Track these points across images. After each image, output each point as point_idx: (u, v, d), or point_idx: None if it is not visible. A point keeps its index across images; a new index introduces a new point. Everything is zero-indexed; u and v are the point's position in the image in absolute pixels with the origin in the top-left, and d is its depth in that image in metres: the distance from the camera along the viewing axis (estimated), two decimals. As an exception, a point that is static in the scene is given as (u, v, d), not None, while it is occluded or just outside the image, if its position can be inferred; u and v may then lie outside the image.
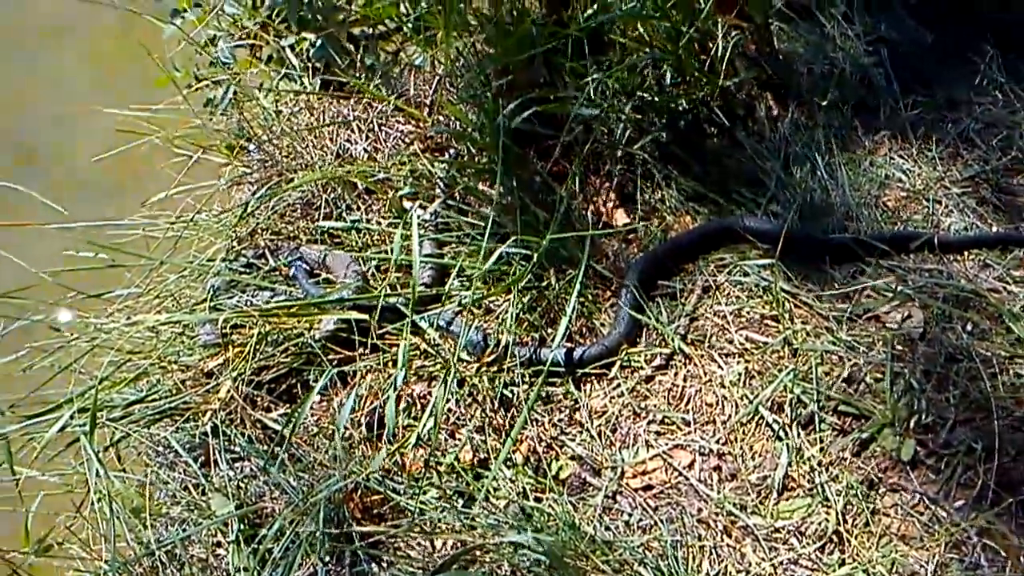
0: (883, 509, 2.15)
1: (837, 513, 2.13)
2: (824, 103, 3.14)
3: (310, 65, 3.53)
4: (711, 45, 3.08)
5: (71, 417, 2.40)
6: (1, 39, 6.18)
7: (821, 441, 2.27)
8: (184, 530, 2.27)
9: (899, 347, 2.40)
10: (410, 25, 3.37)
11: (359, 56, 3.56)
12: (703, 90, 3.08)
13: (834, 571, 2.05)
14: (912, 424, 2.25)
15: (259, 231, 2.91)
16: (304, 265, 2.78)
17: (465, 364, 2.48)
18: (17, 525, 2.33)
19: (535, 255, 2.59)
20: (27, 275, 2.67)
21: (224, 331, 2.57)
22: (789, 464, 2.24)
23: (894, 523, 2.13)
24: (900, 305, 2.51)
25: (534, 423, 2.39)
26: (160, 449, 2.50)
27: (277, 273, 2.82)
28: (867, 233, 2.71)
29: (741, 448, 2.31)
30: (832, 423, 2.31)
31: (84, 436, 2.32)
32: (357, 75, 3.31)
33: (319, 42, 3.57)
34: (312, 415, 2.46)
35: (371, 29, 3.83)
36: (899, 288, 2.54)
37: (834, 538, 2.10)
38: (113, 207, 3.06)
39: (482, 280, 2.63)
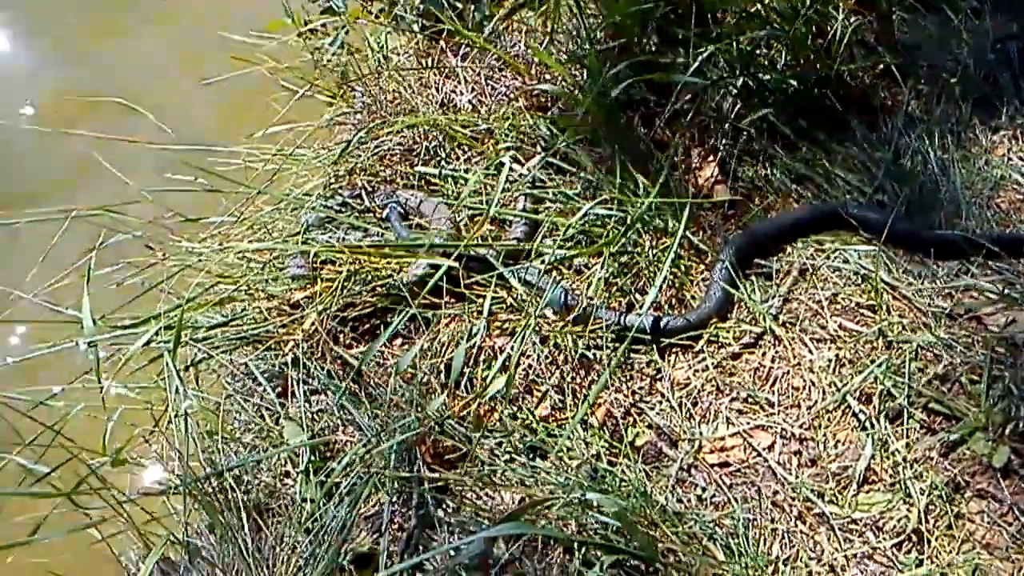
0: (968, 514, 2.07)
1: (919, 511, 2.06)
2: (943, 97, 3.03)
3: (420, 18, 3.53)
4: (829, 28, 3.00)
5: (156, 334, 2.42)
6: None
7: (907, 436, 2.20)
8: (254, 455, 2.28)
9: (1000, 350, 2.31)
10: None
11: (468, 10, 3.55)
12: (817, 72, 2.99)
13: (910, 570, 1.99)
14: (1007, 431, 2.16)
15: (357, 171, 2.91)
16: (398, 208, 2.78)
17: (550, 322, 2.45)
18: (98, 433, 2.36)
19: (630, 219, 2.55)
20: (128, 190, 2.72)
21: (314, 265, 2.57)
22: (872, 456, 2.17)
23: (979, 530, 2.05)
24: (1005, 308, 2.41)
25: (614, 388, 2.36)
26: (238, 374, 2.53)
27: (371, 214, 2.82)
28: (977, 232, 2.61)
29: (824, 435, 2.24)
30: (921, 420, 2.23)
31: (167, 353, 2.34)
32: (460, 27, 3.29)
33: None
34: (392, 358, 2.45)
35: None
36: (1006, 291, 2.44)
37: (913, 537, 2.03)
38: (217, 133, 3.09)
39: (574, 240, 2.60)
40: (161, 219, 2.73)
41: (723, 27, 2.94)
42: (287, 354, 2.42)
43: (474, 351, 2.35)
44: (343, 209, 2.83)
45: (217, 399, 2.50)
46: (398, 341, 2.50)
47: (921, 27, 3.24)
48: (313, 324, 2.41)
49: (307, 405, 2.35)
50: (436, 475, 2.14)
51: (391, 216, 2.75)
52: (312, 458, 2.24)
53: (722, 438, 2.27)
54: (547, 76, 3.03)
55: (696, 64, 2.75)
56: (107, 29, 5.69)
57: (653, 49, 2.88)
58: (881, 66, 3.11)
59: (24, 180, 4.58)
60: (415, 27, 3.36)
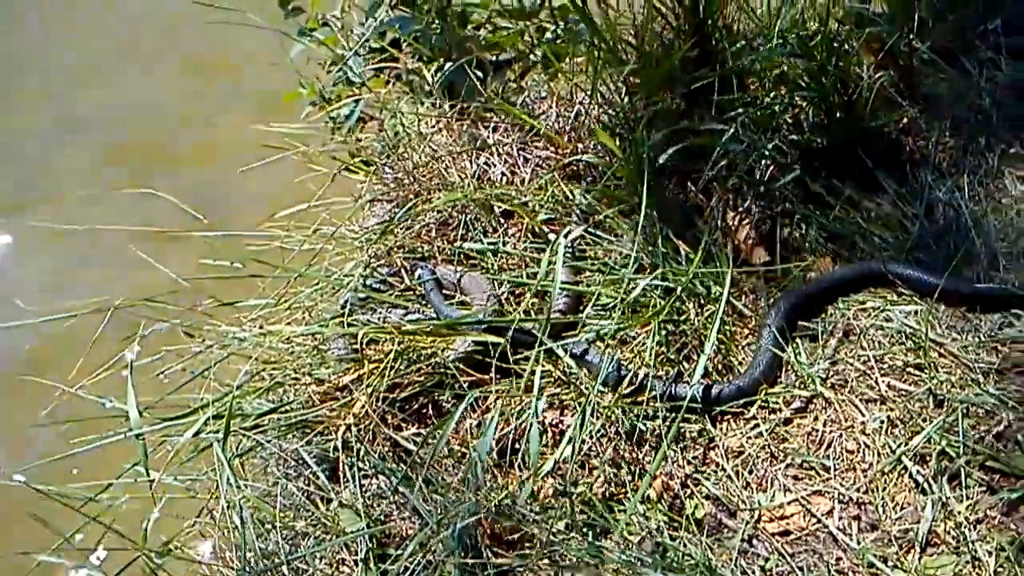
0: (1035, 573, 2.06)
1: (989, 574, 2.04)
2: (969, 148, 3.05)
3: (442, 88, 3.56)
4: (853, 85, 3.04)
5: (205, 423, 2.41)
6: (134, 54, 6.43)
7: (968, 497, 2.19)
8: (311, 544, 2.26)
9: (1051, 404, 2.32)
10: (540, 53, 3.39)
11: (488, 82, 3.58)
12: (845, 130, 3.02)
13: (985, 635, 1.97)
14: (1068, 486, 2.16)
15: (395, 248, 2.92)
16: (432, 279, 2.77)
17: (599, 395, 2.44)
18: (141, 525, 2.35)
19: (677, 288, 2.55)
20: (165, 280, 2.72)
21: (359, 346, 2.57)
22: (933, 519, 2.16)
23: (1048, 588, 2.03)
24: (1051, 360, 2.42)
25: (668, 460, 2.35)
26: (289, 460, 2.52)
27: (411, 292, 2.82)
28: (1018, 284, 2.61)
29: (883, 498, 2.23)
30: (979, 479, 2.22)
31: (217, 443, 2.33)
32: (490, 100, 3.31)
33: (449, 65, 3.59)
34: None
35: (496, 56, 3.86)
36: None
37: (983, 600, 2.02)
38: (248, 219, 3.10)
39: (621, 310, 2.60)
40: (199, 305, 2.73)
41: (751, 91, 2.97)
42: (338, 438, 2.40)
43: (527, 428, 2.33)
44: (382, 288, 2.83)
45: (264, 486, 2.49)
46: (455, 419, 2.48)
47: (942, 79, 3.27)
48: (363, 407, 2.40)
49: (360, 490, 2.33)
50: (500, 560, 2.11)
51: (430, 295, 2.75)
52: (370, 546, 2.22)
53: (781, 506, 2.26)
54: (580, 146, 3.05)
55: (732, 129, 2.77)
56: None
57: (683, 114, 2.90)
58: (906, 119, 3.13)
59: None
60: (438, 100, 3.38)
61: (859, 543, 2.15)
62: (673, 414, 2.37)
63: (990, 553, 2.08)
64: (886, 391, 2.43)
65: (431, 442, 2.31)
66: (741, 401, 2.45)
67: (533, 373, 2.35)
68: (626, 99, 2.92)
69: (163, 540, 2.35)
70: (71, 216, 4.91)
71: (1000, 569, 2.06)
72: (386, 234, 2.92)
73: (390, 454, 2.41)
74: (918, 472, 2.24)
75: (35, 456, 2.61)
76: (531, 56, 3.70)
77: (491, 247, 2.88)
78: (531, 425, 2.20)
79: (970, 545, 2.10)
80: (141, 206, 3.51)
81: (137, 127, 5.83)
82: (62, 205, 5.15)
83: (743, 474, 2.33)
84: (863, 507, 2.23)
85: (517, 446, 2.36)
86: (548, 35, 3.66)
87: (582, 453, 2.36)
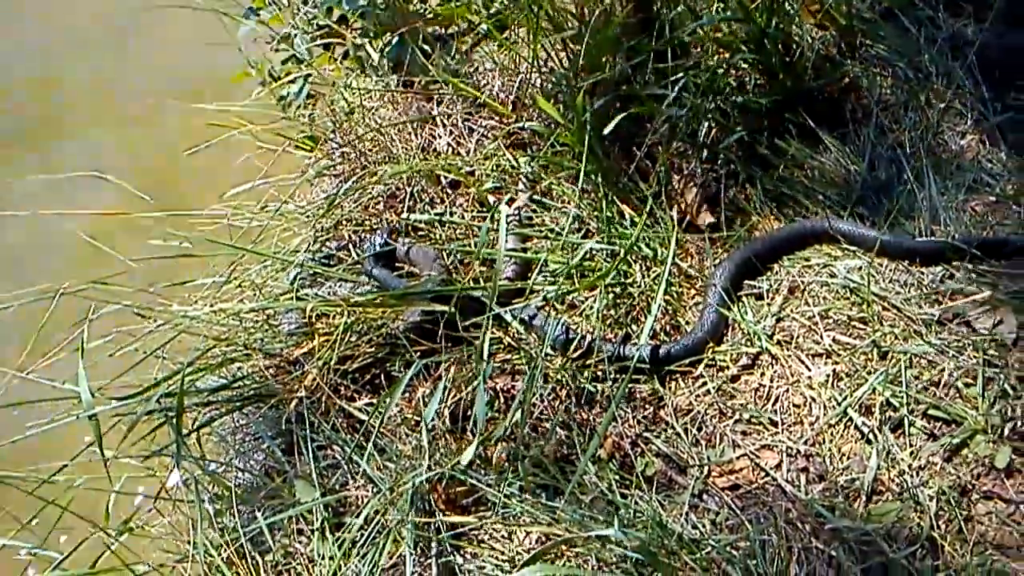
0: (977, 516, 2.11)
1: (930, 518, 2.09)
2: (909, 106, 3.09)
3: (388, 63, 3.55)
4: (795, 47, 3.06)
5: (158, 401, 2.41)
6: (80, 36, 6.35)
7: (911, 445, 2.24)
8: (267, 516, 2.27)
9: (991, 352, 2.36)
10: (487, 25, 3.39)
11: (435, 54, 3.58)
12: (787, 91, 3.04)
13: (927, 577, 2.02)
14: (1007, 431, 2.20)
15: (343, 222, 2.92)
16: (379, 251, 2.78)
17: (549, 359, 2.47)
18: (100, 506, 2.35)
19: (621, 251, 2.58)
20: (113, 262, 2.70)
21: (309, 320, 2.58)
22: (878, 467, 2.20)
23: (989, 531, 2.08)
24: (992, 310, 2.46)
25: (619, 420, 2.38)
26: (243, 435, 2.52)
27: (360, 264, 2.83)
28: (957, 237, 2.65)
29: (829, 450, 2.27)
30: (922, 427, 2.27)
31: (170, 421, 2.33)
32: (435, 73, 3.31)
33: (395, 40, 3.58)
34: (395, 405, 2.45)
35: (444, 29, 3.86)
36: (991, 293, 2.49)
37: (926, 544, 2.06)
38: (195, 198, 3.08)
39: (566, 275, 2.62)
40: (149, 287, 2.72)
41: (692, 54, 2.98)
42: (291, 412, 2.41)
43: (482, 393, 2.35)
44: (329, 261, 2.84)
45: (221, 462, 2.49)
46: (402, 388, 2.50)
47: (882, 38, 3.30)
48: (315, 380, 2.41)
49: (315, 461, 2.34)
50: (454, 519, 2.14)
51: (372, 271, 2.76)
52: (326, 515, 2.24)
53: (730, 461, 2.30)
54: (525, 115, 3.06)
55: (673, 93, 2.79)
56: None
57: (627, 80, 2.91)
58: (848, 79, 3.16)
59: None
60: (384, 75, 3.37)
61: (807, 494, 2.19)
62: (622, 375, 2.40)
63: (931, 498, 2.12)
64: (831, 345, 2.47)
65: (381, 411, 2.32)
66: (689, 360, 2.48)
67: (480, 341, 2.37)
68: (568, 67, 2.92)
69: (122, 519, 2.36)
70: (14, 201, 4.86)
71: (941, 512, 2.10)
72: (332, 208, 2.92)
73: (344, 424, 2.43)
74: (863, 423, 2.29)
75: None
76: (479, 29, 3.70)
77: (438, 217, 2.88)
78: (474, 389, 2.22)
79: (913, 491, 2.14)
80: (86, 192, 3.48)
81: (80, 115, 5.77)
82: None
83: (692, 431, 2.36)
84: (810, 459, 2.27)
85: (469, 412, 2.37)
86: (496, 6, 3.66)
87: (534, 417, 2.38)
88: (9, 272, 4.41)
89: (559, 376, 2.42)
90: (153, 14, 4.01)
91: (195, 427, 2.47)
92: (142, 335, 2.63)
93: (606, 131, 2.75)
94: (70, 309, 2.62)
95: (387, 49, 3.60)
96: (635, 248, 2.64)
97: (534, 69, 3.04)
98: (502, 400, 2.42)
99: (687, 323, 2.60)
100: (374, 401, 2.45)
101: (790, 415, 2.37)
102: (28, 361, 2.57)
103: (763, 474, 2.26)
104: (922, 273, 2.61)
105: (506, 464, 2.26)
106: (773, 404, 2.39)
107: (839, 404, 2.33)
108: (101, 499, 2.37)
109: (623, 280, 2.63)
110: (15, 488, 2.30)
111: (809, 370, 2.43)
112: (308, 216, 2.97)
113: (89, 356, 2.44)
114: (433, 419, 2.31)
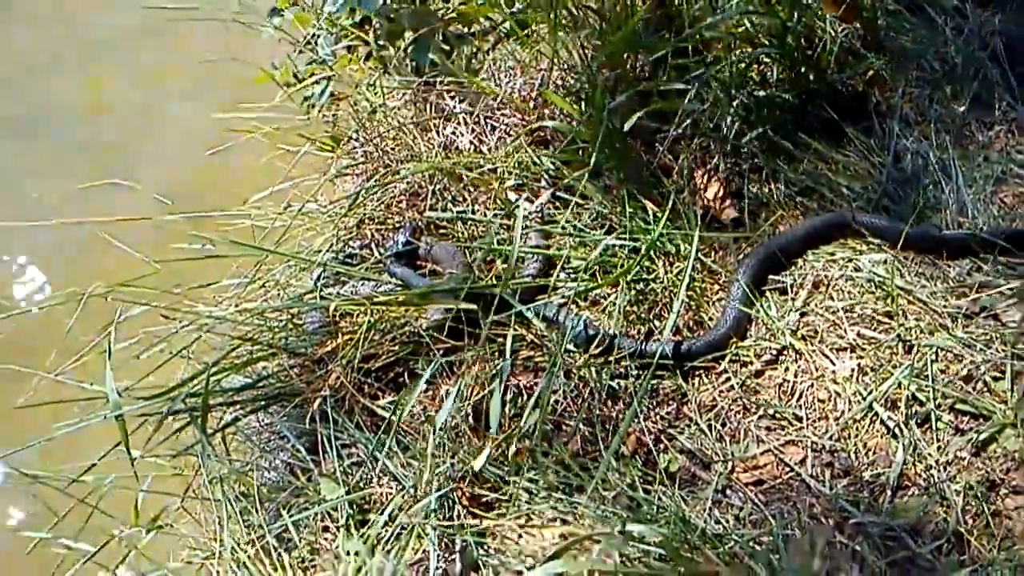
0: (1005, 511, 2.08)
1: (957, 513, 2.07)
2: (935, 98, 3.07)
3: (411, 62, 3.56)
4: (817, 40, 3.05)
5: (183, 401, 2.43)
6: (105, 41, 6.42)
7: (938, 439, 2.21)
8: (292, 514, 2.28)
9: (1020, 345, 2.33)
10: (509, 22, 3.39)
11: (457, 53, 3.59)
12: (810, 84, 3.03)
13: (954, 572, 1.99)
14: (1036, 425, 2.18)
15: (366, 221, 2.94)
16: (405, 249, 2.79)
17: (572, 356, 2.46)
18: (131, 504, 2.37)
19: (643, 248, 2.57)
20: (139, 265, 2.73)
21: (333, 319, 2.59)
22: (904, 462, 2.18)
23: (1017, 525, 2.06)
24: (1020, 303, 2.44)
25: (642, 416, 2.37)
26: (268, 434, 2.54)
27: (382, 264, 2.84)
28: (984, 229, 2.63)
29: (854, 445, 2.25)
30: (949, 422, 2.25)
31: (195, 420, 2.35)
32: (455, 72, 3.32)
33: (415, 40, 3.59)
34: (419, 404, 2.46)
35: (466, 27, 3.86)
36: (1019, 286, 2.46)
37: (952, 539, 2.04)
38: (219, 200, 3.11)
39: (588, 272, 2.62)
40: (174, 289, 2.74)
41: (714, 49, 2.98)
42: (315, 410, 2.42)
43: (503, 392, 2.35)
44: (353, 261, 2.85)
45: (247, 460, 2.51)
46: (422, 386, 2.51)
47: (907, 29, 3.27)
48: (338, 378, 2.42)
49: (339, 459, 2.36)
50: (476, 520, 2.14)
51: (392, 268, 2.77)
52: (351, 512, 2.25)
53: (754, 456, 2.28)
54: (547, 112, 3.06)
55: (694, 89, 2.78)
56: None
57: (647, 76, 2.91)
58: (872, 71, 3.14)
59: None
60: (407, 75, 3.38)
61: (832, 489, 2.17)
62: (644, 371, 2.39)
63: (958, 493, 2.10)
64: (856, 339, 2.45)
65: (401, 408, 2.33)
66: (712, 356, 2.47)
67: (504, 338, 2.38)
68: (589, 63, 2.92)
69: (152, 517, 2.39)
70: (40, 212, 4.92)
71: (968, 507, 2.08)
72: (355, 207, 2.93)
73: (368, 423, 2.44)
74: (889, 417, 2.27)
75: (22, 443, 2.63)
76: (502, 27, 3.70)
77: (460, 215, 2.89)
78: (494, 389, 2.22)
79: (939, 486, 2.12)
80: (113, 200, 3.50)
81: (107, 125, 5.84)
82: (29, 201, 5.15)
83: (716, 427, 2.35)
84: (835, 454, 2.25)
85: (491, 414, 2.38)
86: (519, 3, 3.66)
87: (557, 414, 2.38)
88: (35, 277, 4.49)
89: (581, 373, 2.42)
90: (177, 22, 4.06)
91: (220, 426, 2.49)
92: (168, 336, 2.65)
93: (626, 127, 2.74)
94: (98, 312, 2.66)
95: (409, 49, 3.61)
96: (658, 244, 2.63)
97: (555, 66, 3.03)
98: (524, 397, 2.42)
99: (710, 319, 2.59)
100: (397, 399, 2.46)
101: (814, 410, 2.35)
102: (56, 363, 2.60)
103: (787, 469, 2.24)
104: (948, 266, 2.59)
105: (528, 461, 2.26)
106: (797, 399, 2.38)
107: (864, 399, 2.31)
108: (129, 499, 2.40)
109: (646, 276, 2.62)
110: (45, 485, 2.32)
111: (834, 364, 2.41)
112: (331, 216, 2.98)
113: (116, 358, 2.47)
114: (454, 417, 2.32)
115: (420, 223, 2.89)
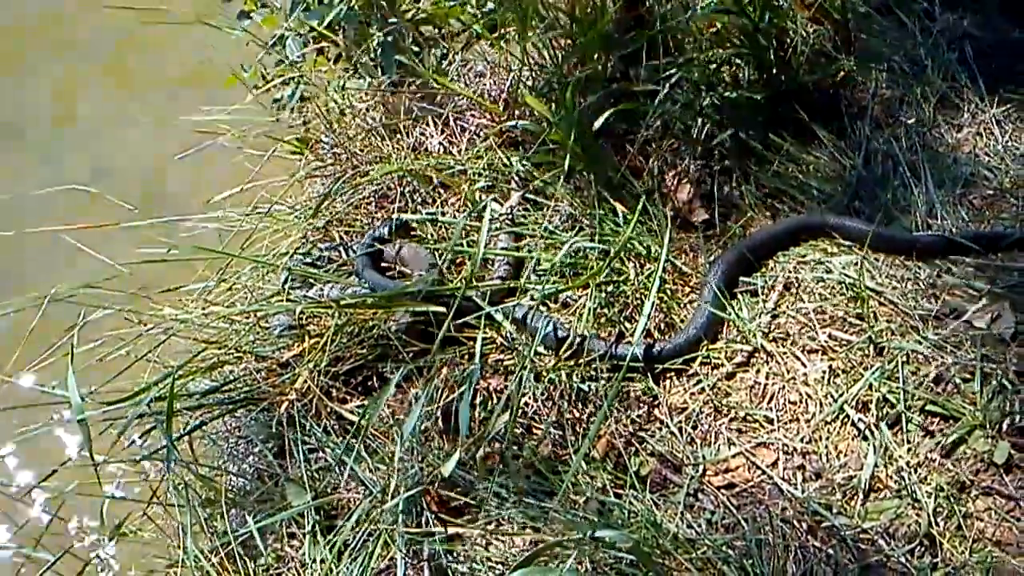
0: (976, 512, 2.09)
1: (928, 515, 2.06)
2: (905, 100, 3.07)
3: (379, 63, 3.53)
4: (789, 41, 3.04)
5: (148, 405, 2.39)
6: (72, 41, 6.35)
7: (908, 441, 2.21)
8: (258, 520, 2.25)
9: (989, 348, 2.33)
10: (480, 23, 3.37)
11: (426, 54, 3.56)
12: (781, 86, 3.02)
13: (926, 574, 1.99)
14: (1005, 426, 2.18)
15: (334, 223, 2.90)
16: (371, 251, 2.76)
17: (542, 358, 2.44)
18: (95, 510, 2.33)
19: (613, 250, 2.56)
20: (105, 271, 2.69)
21: (300, 322, 2.56)
22: (876, 464, 2.18)
23: (988, 527, 2.06)
24: (989, 305, 2.44)
25: (612, 419, 2.35)
26: (234, 438, 2.50)
27: (350, 266, 2.81)
28: (955, 231, 2.63)
29: (826, 447, 2.25)
30: (919, 423, 2.24)
31: (160, 425, 2.31)
32: (424, 73, 3.29)
33: (386, 40, 3.56)
34: (388, 407, 2.43)
35: (437, 29, 3.84)
36: (988, 288, 2.46)
37: (925, 541, 2.04)
38: (185, 202, 3.07)
39: (558, 274, 2.60)
40: (141, 292, 2.70)
41: (685, 50, 2.97)
42: (282, 414, 2.39)
43: (473, 395, 2.32)
44: (321, 263, 2.82)
45: (215, 466, 2.47)
46: (391, 390, 2.48)
47: (877, 31, 3.28)
48: (305, 382, 2.39)
49: (306, 464, 2.32)
50: (444, 527, 2.11)
51: (363, 271, 2.74)
52: (317, 518, 2.21)
53: (725, 459, 2.27)
54: (517, 112, 3.04)
55: (665, 90, 2.77)
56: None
57: (619, 77, 2.90)
58: (842, 73, 3.14)
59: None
60: (376, 78, 3.35)
61: (803, 492, 2.17)
62: (615, 374, 2.37)
63: (929, 495, 2.10)
64: (827, 341, 2.44)
65: (369, 413, 2.30)
66: (683, 358, 2.45)
67: (473, 341, 2.35)
68: (559, 64, 2.90)
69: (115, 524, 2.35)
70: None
71: (939, 509, 2.08)
72: (323, 208, 2.90)
73: (336, 427, 2.41)
74: (860, 420, 2.26)
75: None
76: (473, 28, 3.68)
77: (429, 217, 2.86)
78: (464, 392, 2.19)
79: (910, 488, 2.12)
80: (79, 203, 3.45)
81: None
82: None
83: (687, 430, 2.34)
84: (807, 457, 2.24)
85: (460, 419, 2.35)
86: (490, 4, 3.63)
87: (527, 417, 2.36)
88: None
89: (552, 376, 2.39)
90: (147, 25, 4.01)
91: (186, 431, 2.45)
92: (132, 339, 2.61)
93: (596, 126, 2.73)
94: (61, 315, 2.61)
95: (380, 51, 3.58)
96: (628, 246, 2.61)
97: (525, 67, 3.01)
98: (494, 400, 2.39)
99: (681, 321, 2.57)
100: (366, 403, 2.43)
101: (786, 412, 2.34)
102: (17, 367, 2.56)
103: (759, 472, 2.24)
104: (919, 268, 2.58)
105: (498, 465, 2.24)
106: (769, 402, 2.37)
107: (835, 401, 2.31)
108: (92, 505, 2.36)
109: (616, 278, 2.60)
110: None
111: (805, 367, 2.40)
112: (298, 217, 2.95)
113: (79, 361, 2.42)
114: (423, 421, 2.29)
115: (403, 220, 2.86)
